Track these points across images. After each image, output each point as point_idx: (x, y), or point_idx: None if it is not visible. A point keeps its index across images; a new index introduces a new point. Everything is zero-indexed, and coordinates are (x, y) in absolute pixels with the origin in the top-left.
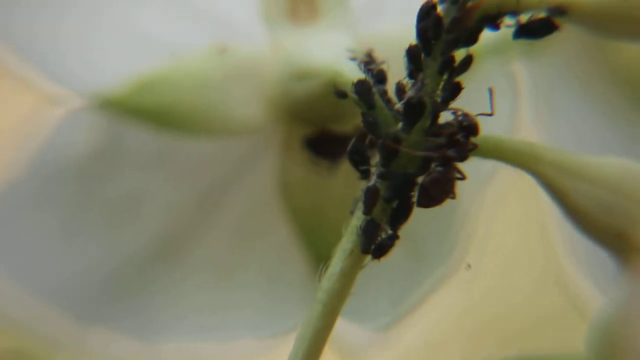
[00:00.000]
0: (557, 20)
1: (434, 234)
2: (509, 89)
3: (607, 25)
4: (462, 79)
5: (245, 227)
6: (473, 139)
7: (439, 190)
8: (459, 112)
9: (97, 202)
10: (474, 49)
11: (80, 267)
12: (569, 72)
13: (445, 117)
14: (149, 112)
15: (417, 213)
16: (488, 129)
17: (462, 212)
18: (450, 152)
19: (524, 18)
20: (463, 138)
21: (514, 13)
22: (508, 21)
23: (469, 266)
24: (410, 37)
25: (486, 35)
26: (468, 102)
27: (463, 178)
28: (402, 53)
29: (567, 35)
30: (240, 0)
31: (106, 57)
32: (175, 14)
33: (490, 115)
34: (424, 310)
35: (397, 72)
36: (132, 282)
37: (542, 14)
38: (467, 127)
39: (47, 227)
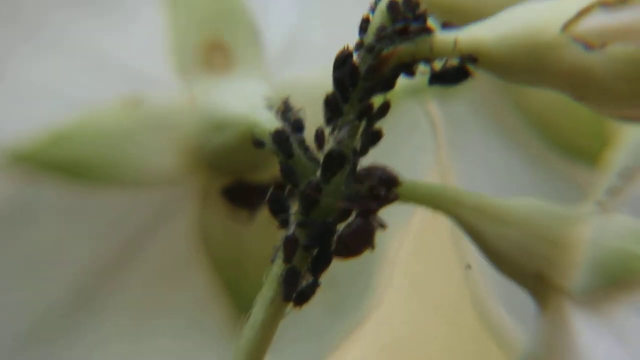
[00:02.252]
0: (469, 68)
1: (352, 276)
2: (429, 129)
3: (515, 73)
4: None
5: (164, 276)
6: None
7: (358, 242)
8: (379, 167)
9: (9, 257)
10: (393, 89)
11: None
12: (482, 111)
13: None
14: (62, 166)
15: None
16: (408, 169)
17: (381, 254)
18: (371, 204)
19: (437, 65)
20: (383, 191)
21: (428, 60)
22: (423, 68)
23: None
24: (326, 83)
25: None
26: (389, 139)
27: (384, 228)
28: (319, 99)
29: (479, 77)
30: (153, 50)
31: (15, 111)
32: (87, 65)
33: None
34: (345, 350)
35: (314, 117)
36: (48, 333)
37: (454, 62)
38: (387, 180)
39: None
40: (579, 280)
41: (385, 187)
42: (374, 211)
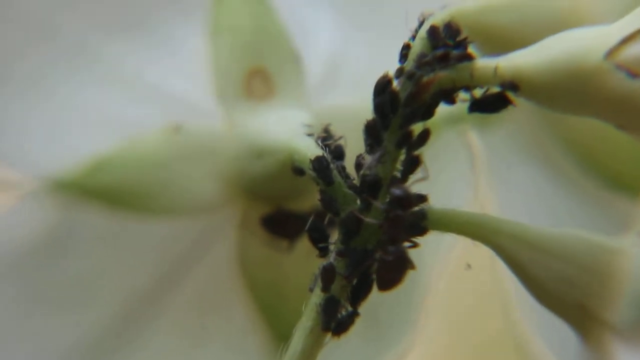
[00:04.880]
0: (510, 95)
1: (392, 309)
2: (467, 158)
3: (556, 101)
4: (422, 149)
5: (205, 304)
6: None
7: (392, 273)
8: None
9: (52, 283)
10: (432, 119)
11: (33, 349)
12: (522, 141)
13: None
14: (104, 193)
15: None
16: (447, 199)
17: (422, 285)
18: (406, 233)
19: (478, 92)
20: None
21: (468, 88)
22: (463, 96)
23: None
24: (366, 110)
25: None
26: (428, 169)
27: (413, 268)
28: (360, 126)
29: (521, 106)
30: (195, 78)
31: (58, 138)
32: (129, 94)
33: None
34: None
35: (355, 145)
36: (89, 359)
37: (495, 89)
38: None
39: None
40: (622, 313)
41: (418, 216)
42: (408, 240)
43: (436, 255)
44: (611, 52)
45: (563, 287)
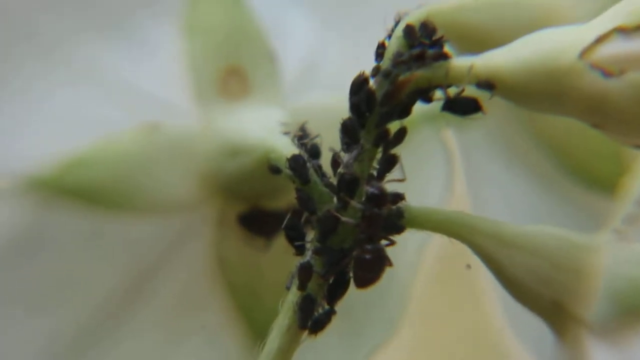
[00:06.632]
0: (481, 102)
1: (368, 306)
2: (444, 156)
3: (531, 100)
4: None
5: (180, 305)
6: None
7: (369, 270)
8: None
9: (27, 282)
10: (409, 117)
11: (5, 350)
12: (498, 139)
13: None
14: (79, 192)
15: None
16: (424, 196)
17: (399, 283)
18: (383, 230)
19: (452, 92)
20: (395, 219)
21: (445, 87)
22: (440, 95)
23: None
24: (343, 109)
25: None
26: (405, 167)
27: (391, 265)
28: (336, 125)
29: (498, 104)
30: (171, 78)
31: (33, 136)
32: (105, 93)
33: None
34: None
35: (332, 144)
36: (66, 357)
37: (469, 92)
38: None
39: None
40: (596, 309)
41: (395, 214)
42: (385, 238)
43: (414, 253)
44: (585, 52)
45: (538, 284)
